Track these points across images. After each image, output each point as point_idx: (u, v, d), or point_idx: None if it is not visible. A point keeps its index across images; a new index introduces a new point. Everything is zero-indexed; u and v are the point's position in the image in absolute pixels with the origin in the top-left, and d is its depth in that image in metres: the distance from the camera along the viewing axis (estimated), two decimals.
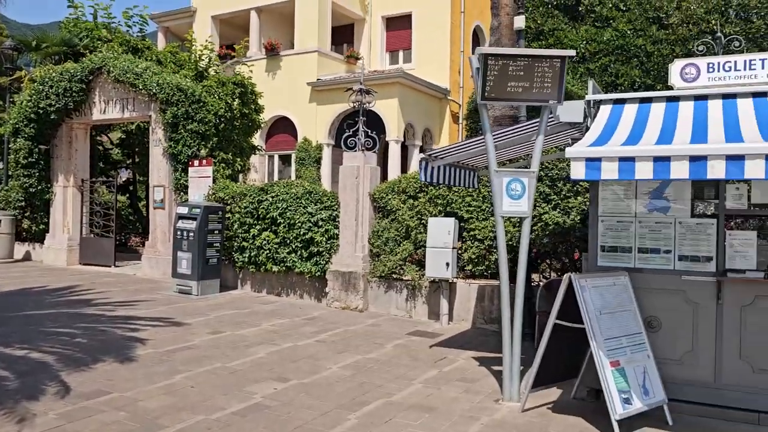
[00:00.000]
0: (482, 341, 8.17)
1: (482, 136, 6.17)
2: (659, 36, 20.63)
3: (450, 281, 9.13)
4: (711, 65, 5.17)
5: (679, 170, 3.89)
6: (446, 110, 22.49)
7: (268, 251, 10.81)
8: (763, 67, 5.03)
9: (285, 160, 22.75)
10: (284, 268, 10.73)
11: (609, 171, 4.08)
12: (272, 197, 10.81)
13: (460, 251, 9.17)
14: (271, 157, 22.84)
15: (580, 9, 22.46)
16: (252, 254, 11.02)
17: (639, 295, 5.34)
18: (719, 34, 5.56)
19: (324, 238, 10.28)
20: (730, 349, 5.17)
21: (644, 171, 3.97)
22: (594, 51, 20.35)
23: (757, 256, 5.13)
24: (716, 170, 3.79)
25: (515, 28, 10.68)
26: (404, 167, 20.96)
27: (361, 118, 10.56)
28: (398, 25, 23.64)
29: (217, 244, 10.92)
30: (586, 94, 5.69)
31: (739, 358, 5.14)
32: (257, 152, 19.41)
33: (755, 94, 4.88)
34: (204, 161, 12.04)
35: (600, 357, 4.76)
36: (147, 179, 19.08)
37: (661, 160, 3.92)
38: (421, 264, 9.58)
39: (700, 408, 5.17)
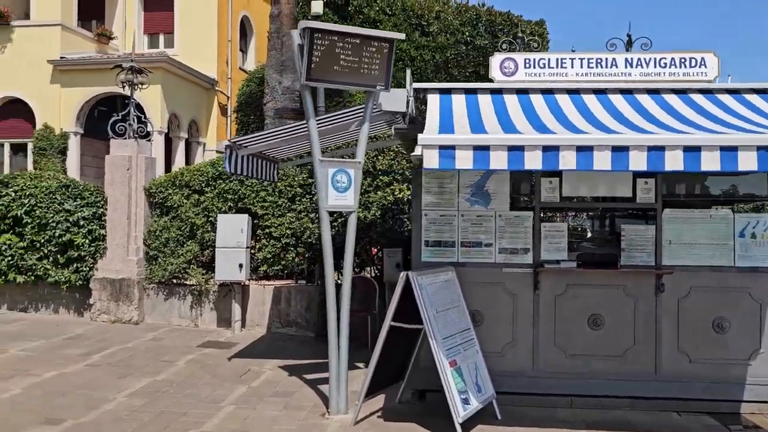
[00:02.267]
0: (282, 347, 7.55)
1: (299, 123, 5.59)
2: (421, 42, 21.84)
3: (243, 284, 8.33)
4: (528, 61, 5.27)
5: (533, 160, 3.77)
6: (214, 102, 21.17)
7: (10, 258, 8.79)
8: (572, 66, 5.27)
9: (19, 150, 19.29)
10: (33, 277, 8.82)
11: (463, 160, 3.81)
12: (15, 192, 8.81)
13: (253, 251, 8.41)
14: (0, 145, 19.20)
15: (350, 9, 22.86)
16: None
17: (463, 290, 5.24)
18: (521, 35, 5.72)
19: (86, 241, 8.68)
20: (546, 337, 5.34)
21: (499, 160, 3.79)
22: None
23: (567, 248, 5.36)
24: (567, 161, 3.74)
25: (313, 12, 10.20)
26: (168, 160, 19.20)
27: (132, 100, 9.14)
28: (158, 6, 21.57)
29: None
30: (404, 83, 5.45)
31: (554, 345, 5.33)
32: None
33: (569, 91, 5.07)
34: None
35: (440, 358, 4.51)
36: None
37: (516, 150, 3.77)
38: (208, 266, 8.60)
39: (524, 398, 5.25)
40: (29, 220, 8.73)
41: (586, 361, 5.30)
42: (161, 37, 21.58)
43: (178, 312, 8.66)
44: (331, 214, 5.22)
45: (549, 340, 5.33)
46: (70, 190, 8.85)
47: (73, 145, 18.67)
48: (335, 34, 4.78)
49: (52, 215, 8.68)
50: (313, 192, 8.28)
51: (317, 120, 5.49)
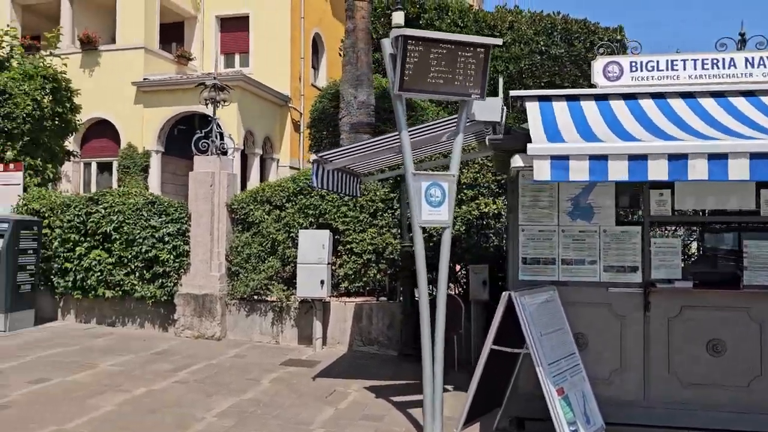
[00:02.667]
0: (365, 366, 7.34)
1: (389, 135, 5.40)
2: (494, 53, 21.47)
3: (324, 300, 8.20)
4: (634, 64, 4.89)
5: (657, 170, 3.41)
6: (287, 118, 21.46)
7: (99, 273, 9.01)
8: (684, 68, 4.84)
9: (104, 168, 20.13)
10: (120, 292, 9.00)
11: (578, 171, 3.49)
12: (105, 208, 9.04)
13: (334, 267, 8.27)
14: (87, 164, 20.07)
15: (420, 23, 22.81)
16: (78, 277, 9.12)
17: (565, 311, 4.87)
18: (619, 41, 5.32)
19: (171, 256, 8.78)
20: (658, 363, 4.89)
21: (618, 171, 3.44)
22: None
23: (681, 265, 4.91)
24: (697, 170, 3.36)
25: (394, 24, 10.07)
26: (243, 177, 19.55)
27: (215, 117, 9.25)
28: (234, 27, 22.17)
29: (32, 267, 8.88)
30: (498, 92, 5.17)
31: (668, 372, 4.87)
32: (72, 158, 16.85)
33: (683, 95, 4.65)
34: (11, 166, 9.84)
35: (547, 385, 4.16)
36: None
37: (638, 159, 3.42)
38: (289, 282, 8.52)
39: (634, 430, 4.81)
40: (117, 236, 8.92)
41: (705, 391, 4.80)
42: (237, 57, 22.14)
43: (260, 328, 8.62)
44: (423, 230, 4.97)
45: (662, 366, 4.88)
46: (155, 206, 8.99)
47: (155, 162, 19.31)
48: (429, 41, 4.56)
49: (138, 231, 8.85)
50: (394, 207, 8.08)
51: (410, 131, 5.29)
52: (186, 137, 21.38)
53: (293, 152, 21.67)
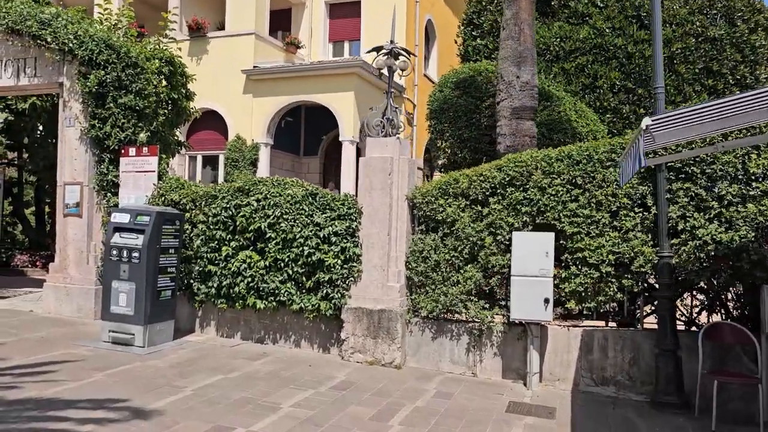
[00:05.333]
0: (621, 418, 5.40)
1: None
2: (640, 36, 19.03)
3: (543, 324, 6.32)
4: None
5: None
6: (401, 109, 19.74)
7: (250, 279, 7.43)
8: None
9: (208, 162, 19.00)
10: (275, 303, 7.39)
11: None
12: (257, 201, 7.46)
13: (555, 280, 6.36)
14: (192, 158, 18.98)
15: (553, 3, 20.57)
16: (223, 283, 7.58)
17: None
18: None
19: (339, 261, 7.10)
20: None
21: None
22: (569, 50, 18.45)
23: None
24: None
25: None
26: (357, 172, 17.95)
27: (390, 91, 7.54)
28: (344, 13, 20.73)
29: (173, 270, 7.38)
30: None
31: None
32: (184, 149, 15.66)
33: None
34: (144, 149, 8.43)
35: None
36: (38, 179, 14.74)
37: None
38: (490, 298, 6.69)
39: None
40: (273, 235, 7.32)
41: None
42: (346, 45, 20.69)
43: (450, 355, 6.81)
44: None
45: None
46: (317, 199, 7.35)
47: (263, 156, 18.00)
48: None
49: (299, 229, 7.21)
50: (648, 203, 6.10)
51: None
52: (292, 131, 20.11)
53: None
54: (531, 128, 9.75)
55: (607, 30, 19.18)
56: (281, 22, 20.98)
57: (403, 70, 7.56)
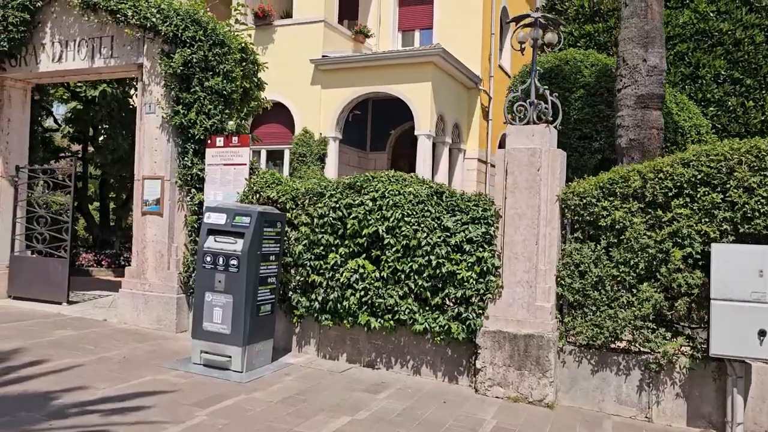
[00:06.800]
0: None
1: None
2: (750, 20, 17.19)
3: (748, 362, 4.97)
4: None
5: None
6: (476, 103, 18.40)
7: (362, 292, 6.26)
8: None
9: (271, 156, 18.01)
10: (392, 322, 6.21)
11: None
12: (372, 200, 6.28)
13: None
14: (255, 152, 18.00)
15: None
16: (330, 296, 6.43)
17: None
18: None
19: (473, 274, 5.86)
20: None
21: None
22: (668, 36, 16.76)
23: None
24: None
25: None
26: (435, 170, 16.73)
27: (535, 68, 6.27)
28: (415, 0, 19.50)
29: (273, 280, 6.26)
30: None
31: None
32: (253, 143, 14.67)
33: None
34: (234, 139, 7.36)
35: None
36: (103, 173, 13.92)
37: None
38: (672, 326, 5.36)
39: None
40: (392, 241, 6.12)
41: None
42: (416, 34, 19.47)
43: (616, 394, 5.51)
44: None
45: None
46: (444, 198, 6.13)
47: (332, 151, 16.90)
48: None
49: (424, 235, 6.00)
50: None
51: None
52: (358, 125, 18.97)
53: (481, 142, 18.61)
54: (658, 119, 8.44)
55: (711, 14, 17.48)
56: (347, 11, 19.86)
57: (550, 46, 6.28)
